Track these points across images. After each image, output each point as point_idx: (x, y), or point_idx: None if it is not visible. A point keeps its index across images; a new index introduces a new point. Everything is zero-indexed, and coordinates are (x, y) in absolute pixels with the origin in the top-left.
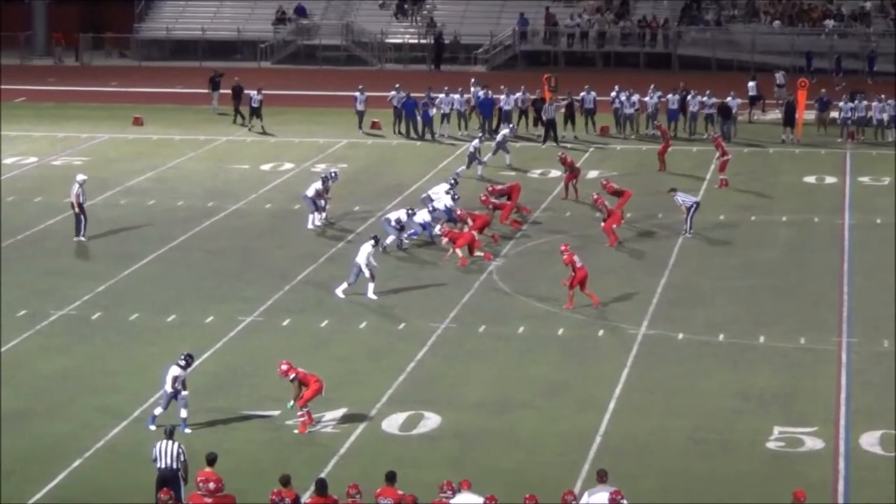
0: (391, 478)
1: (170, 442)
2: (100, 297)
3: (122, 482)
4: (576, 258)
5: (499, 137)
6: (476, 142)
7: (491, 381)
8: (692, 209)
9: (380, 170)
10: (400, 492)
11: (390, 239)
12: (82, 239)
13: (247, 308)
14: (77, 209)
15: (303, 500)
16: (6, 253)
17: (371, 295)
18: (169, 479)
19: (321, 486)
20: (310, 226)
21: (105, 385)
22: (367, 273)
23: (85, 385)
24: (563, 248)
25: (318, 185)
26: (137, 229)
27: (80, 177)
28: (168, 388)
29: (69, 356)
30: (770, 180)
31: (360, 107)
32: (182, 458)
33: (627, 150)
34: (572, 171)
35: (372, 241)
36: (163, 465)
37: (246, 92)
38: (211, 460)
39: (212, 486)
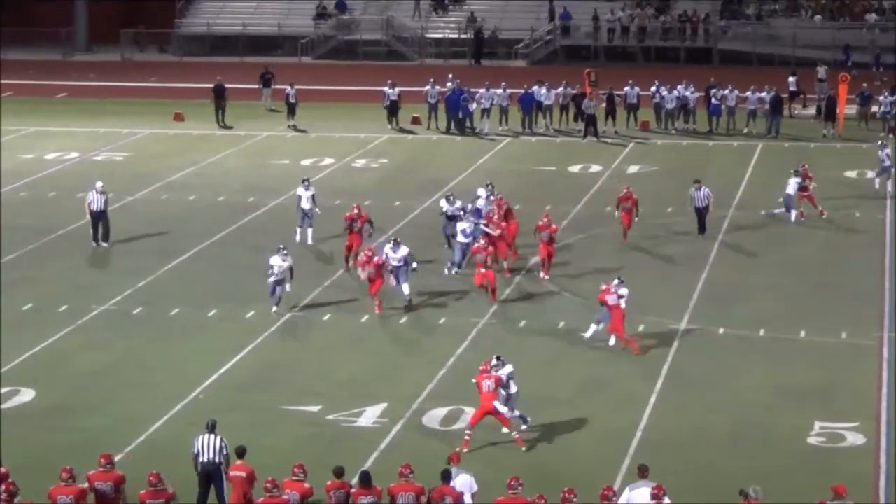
0: (447, 477)
1: (212, 436)
2: (141, 292)
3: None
4: None
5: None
6: (888, 150)
7: (530, 376)
8: (702, 209)
9: (419, 165)
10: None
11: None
12: (93, 245)
13: (287, 303)
14: (88, 215)
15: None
16: (47, 248)
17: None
18: (212, 473)
19: (365, 479)
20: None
21: (145, 380)
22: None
23: (125, 380)
24: None
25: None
26: (178, 224)
27: (98, 184)
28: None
29: (110, 351)
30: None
31: (388, 101)
32: (225, 452)
33: (668, 146)
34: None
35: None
36: (205, 459)
37: (279, 87)
38: (241, 453)
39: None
